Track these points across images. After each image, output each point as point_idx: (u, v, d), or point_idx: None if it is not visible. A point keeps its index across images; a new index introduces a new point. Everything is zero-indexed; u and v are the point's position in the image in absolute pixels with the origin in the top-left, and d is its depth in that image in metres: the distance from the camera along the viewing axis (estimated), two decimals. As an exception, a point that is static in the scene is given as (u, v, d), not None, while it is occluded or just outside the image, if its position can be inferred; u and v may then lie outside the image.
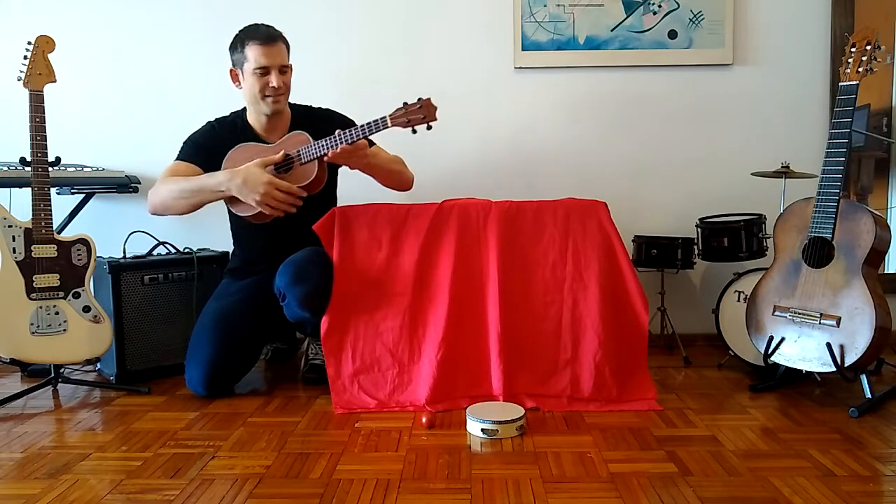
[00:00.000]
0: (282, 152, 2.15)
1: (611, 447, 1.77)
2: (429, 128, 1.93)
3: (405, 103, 1.97)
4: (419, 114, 1.95)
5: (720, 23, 2.80)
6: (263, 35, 2.21)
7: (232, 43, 2.28)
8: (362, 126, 2.02)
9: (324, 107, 2.45)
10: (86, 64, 2.89)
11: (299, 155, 2.14)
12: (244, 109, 2.40)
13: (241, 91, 2.32)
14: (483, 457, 1.72)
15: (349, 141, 2.04)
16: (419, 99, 1.95)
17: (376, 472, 1.63)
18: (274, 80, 2.21)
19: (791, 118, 2.85)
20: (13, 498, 1.52)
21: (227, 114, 2.43)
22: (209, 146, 2.31)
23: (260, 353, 2.41)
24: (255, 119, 2.34)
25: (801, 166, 2.57)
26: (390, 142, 2.82)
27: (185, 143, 2.36)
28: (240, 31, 2.27)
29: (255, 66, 2.20)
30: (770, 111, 2.85)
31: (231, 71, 2.30)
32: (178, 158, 2.33)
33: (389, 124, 1.97)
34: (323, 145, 2.08)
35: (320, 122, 2.33)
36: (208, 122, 2.41)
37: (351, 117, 2.42)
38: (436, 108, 1.96)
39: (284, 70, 2.26)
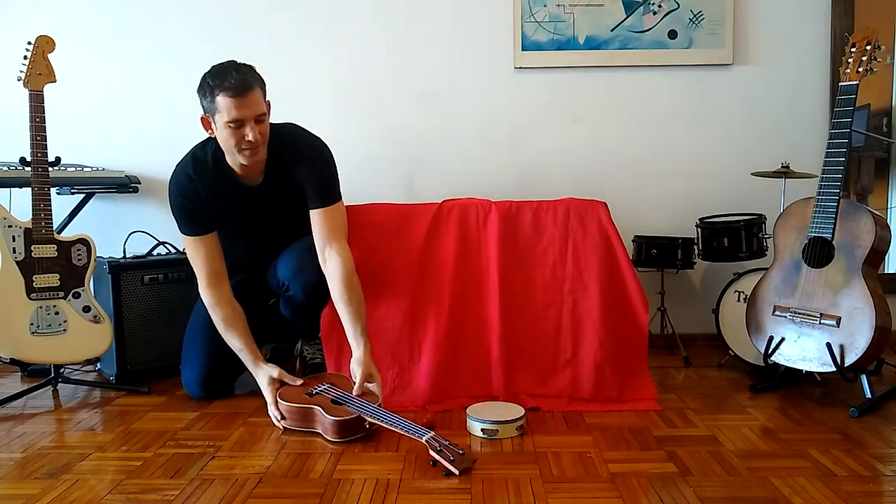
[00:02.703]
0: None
1: (611, 447, 1.77)
2: (447, 473, 1.60)
3: (450, 443, 1.68)
4: (452, 456, 1.62)
5: (720, 23, 2.80)
6: (235, 84, 1.91)
7: (200, 87, 1.99)
8: (398, 418, 1.79)
9: (289, 124, 2.18)
10: (86, 64, 2.89)
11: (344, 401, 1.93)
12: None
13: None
14: (483, 457, 1.72)
15: (380, 419, 1.82)
16: (465, 454, 1.65)
17: (376, 472, 1.63)
18: (250, 133, 1.94)
19: (791, 118, 2.85)
20: (13, 498, 1.52)
21: (203, 146, 2.14)
22: (199, 207, 2.11)
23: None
24: (232, 162, 2.09)
25: (801, 166, 2.57)
26: (384, 135, 2.82)
27: (177, 214, 2.12)
28: (207, 75, 1.98)
29: (228, 120, 1.93)
30: (770, 111, 2.85)
31: (202, 118, 2.01)
32: (182, 232, 2.13)
33: (423, 440, 1.68)
34: (364, 409, 1.86)
35: (289, 158, 2.13)
36: (185, 173, 2.10)
37: (329, 133, 2.24)
38: (469, 468, 1.62)
39: (261, 119, 1.98)
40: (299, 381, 2.05)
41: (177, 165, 2.14)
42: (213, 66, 2.00)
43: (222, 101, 1.92)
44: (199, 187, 2.11)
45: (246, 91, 1.93)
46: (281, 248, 2.26)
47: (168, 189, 2.13)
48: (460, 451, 1.63)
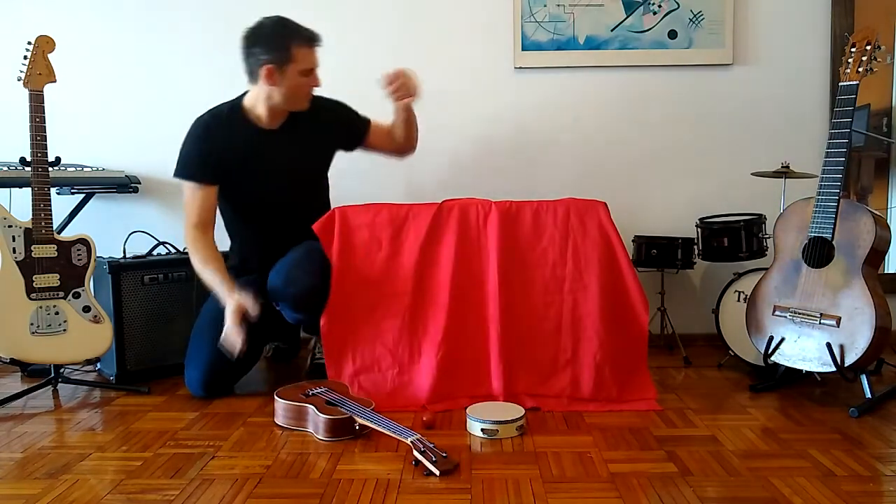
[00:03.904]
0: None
1: (611, 447, 1.77)
2: (428, 473, 1.63)
3: (435, 446, 1.69)
4: (435, 457, 1.63)
5: (720, 23, 2.80)
6: (309, 36, 2.17)
7: (266, 39, 2.14)
8: (387, 420, 1.84)
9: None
10: (86, 64, 2.89)
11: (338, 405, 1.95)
12: (240, 100, 2.29)
13: (257, 86, 2.21)
14: (483, 457, 1.72)
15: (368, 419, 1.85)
16: (448, 456, 1.66)
17: (376, 472, 1.63)
18: (318, 79, 2.23)
19: (791, 118, 2.85)
20: (13, 498, 1.52)
21: (218, 106, 2.30)
22: (213, 157, 2.22)
23: (260, 354, 2.41)
24: (263, 109, 2.24)
25: (801, 166, 2.57)
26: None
27: (187, 156, 2.23)
28: (275, 27, 2.14)
29: (305, 68, 2.16)
30: (770, 111, 2.85)
31: (268, 69, 2.13)
32: (186, 178, 2.22)
33: (408, 441, 1.71)
34: (355, 411, 1.88)
35: (316, 119, 2.34)
36: (201, 122, 2.25)
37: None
38: (450, 471, 1.63)
39: None
40: (256, 311, 2.08)
41: (197, 118, 2.27)
42: (265, 21, 2.16)
43: (300, 51, 2.15)
44: (219, 132, 2.24)
45: (316, 42, 2.20)
46: (287, 248, 2.27)
47: (186, 135, 2.25)
48: (443, 454, 1.65)
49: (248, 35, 2.18)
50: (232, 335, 2.04)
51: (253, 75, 2.20)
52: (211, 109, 2.29)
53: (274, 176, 2.28)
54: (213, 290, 2.20)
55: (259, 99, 2.24)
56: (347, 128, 2.45)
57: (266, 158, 2.28)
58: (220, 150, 2.23)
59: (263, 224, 2.33)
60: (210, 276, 2.19)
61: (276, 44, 2.13)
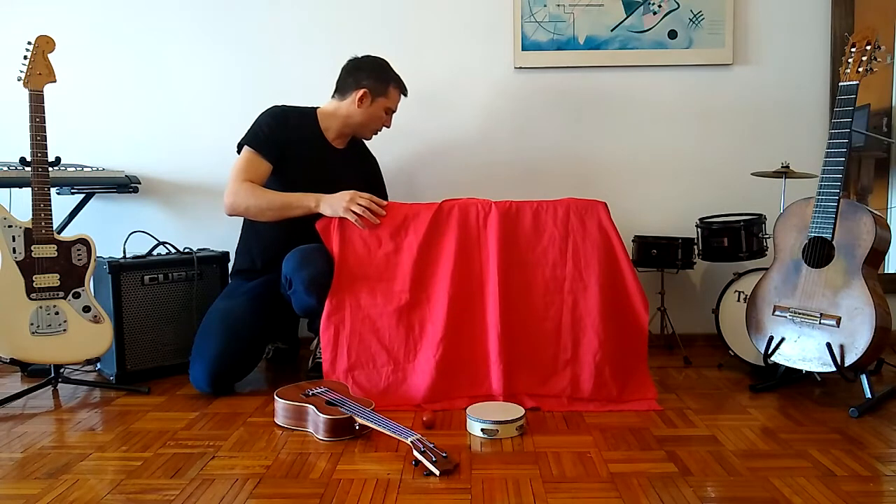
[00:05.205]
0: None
1: (611, 447, 1.77)
2: (427, 473, 1.62)
3: (435, 446, 1.68)
4: (435, 457, 1.63)
5: (720, 23, 2.80)
6: (404, 86, 2.50)
7: (373, 69, 2.42)
8: (387, 420, 1.83)
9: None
10: (86, 64, 2.89)
11: (338, 403, 1.95)
12: (314, 111, 2.46)
13: (342, 103, 2.44)
14: (483, 457, 1.72)
15: (368, 420, 1.85)
16: (448, 456, 1.65)
17: (376, 472, 1.63)
18: (390, 122, 2.54)
19: (791, 118, 2.85)
20: (13, 498, 1.52)
21: (298, 105, 2.46)
22: (281, 141, 2.35)
23: (264, 350, 2.42)
24: (337, 124, 2.46)
25: (801, 166, 2.57)
26: (384, 135, 2.82)
27: (258, 128, 2.36)
28: (384, 64, 2.45)
29: (390, 107, 2.48)
30: (770, 111, 2.85)
31: (364, 92, 2.40)
32: (250, 145, 2.33)
33: (408, 441, 1.71)
34: (355, 411, 1.88)
35: (366, 158, 2.66)
36: (280, 108, 2.41)
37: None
38: (450, 471, 1.62)
39: None
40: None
41: (274, 105, 2.44)
42: (378, 58, 2.46)
43: (394, 92, 2.48)
44: (292, 123, 2.40)
45: (407, 94, 2.53)
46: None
47: (261, 114, 2.40)
48: (443, 454, 1.65)
49: (356, 59, 2.46)
50: (361, 197, 2.22)
51: (344, 92, 2.45)
52: (287, 105, 2.45)
53: (318, 185, 2.30)
54: (292, 210, 2.26)
55: (338, 114, 2.46)
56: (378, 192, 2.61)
57: (320, 166, 2.42)
58: (288, 137, 2.36)
59: (288, 225, 2.32)
60: (284, 198, 2.25)
61: (381, 77, 2.43)
